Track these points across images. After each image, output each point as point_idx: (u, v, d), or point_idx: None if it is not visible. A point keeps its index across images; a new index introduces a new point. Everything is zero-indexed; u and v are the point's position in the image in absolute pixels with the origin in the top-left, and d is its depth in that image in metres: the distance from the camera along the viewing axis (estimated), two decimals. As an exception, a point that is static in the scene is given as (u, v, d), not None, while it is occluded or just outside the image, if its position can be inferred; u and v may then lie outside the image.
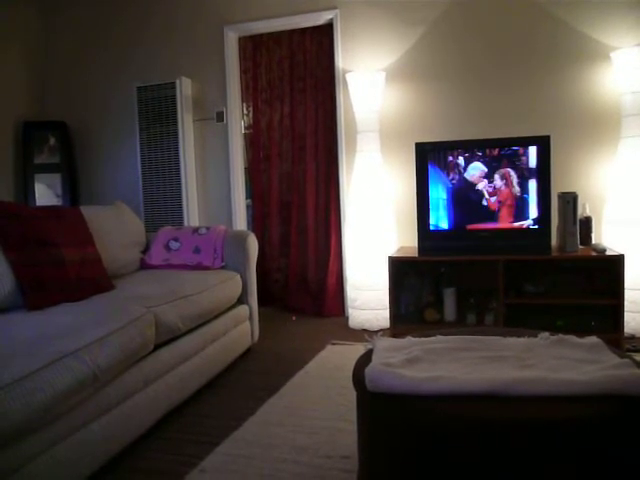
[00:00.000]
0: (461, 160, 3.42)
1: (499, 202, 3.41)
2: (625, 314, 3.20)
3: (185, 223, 4.42)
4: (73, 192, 4.81)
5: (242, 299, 3.32)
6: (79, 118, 4.88)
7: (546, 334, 1.85)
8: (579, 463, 1.35)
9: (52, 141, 4.74)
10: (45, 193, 4.70)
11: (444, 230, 3.50)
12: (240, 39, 4.48)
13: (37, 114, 4.86)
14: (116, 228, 3.23)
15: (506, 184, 3.38)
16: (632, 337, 3.33)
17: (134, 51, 4.69)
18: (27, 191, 4.65)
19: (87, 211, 3.02)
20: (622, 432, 1.39)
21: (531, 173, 3.34)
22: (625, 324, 3.21)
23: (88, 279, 2.59)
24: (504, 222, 3.41)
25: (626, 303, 3.21)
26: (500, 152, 3.37)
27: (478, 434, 1.37)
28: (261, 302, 3.72)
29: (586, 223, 3.44)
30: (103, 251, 2.90)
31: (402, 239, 4.00)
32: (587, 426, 1.35)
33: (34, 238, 2.46)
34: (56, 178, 4.74)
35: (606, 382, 1.42)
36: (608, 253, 3.21)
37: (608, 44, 3.55)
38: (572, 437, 1.35)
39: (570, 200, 3.28)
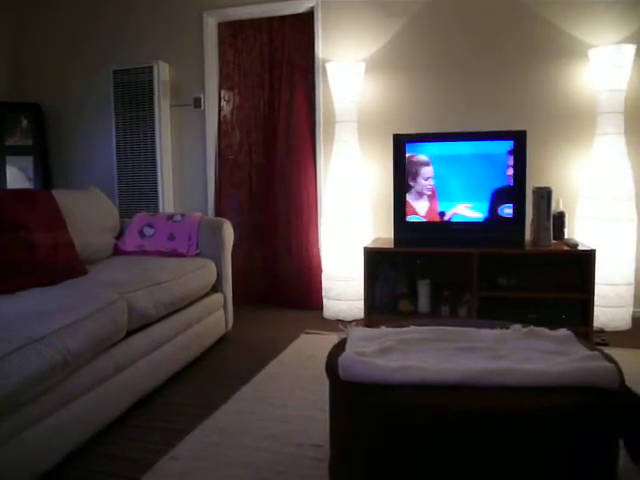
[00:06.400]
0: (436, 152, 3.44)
1: (474, 195, 3.43)
2: (595, 308, 3.26)
3: (160, 209, 4.37)
4: (45, 176, 4.73)
5: (216, 287, 3.30)
6: (53, 100, 4.79)
7: (518, 326, 1.88)
8: (548, 452, 1.38)
9: (24, 123, 4.64)
10: (17, 176, 4.60)
11: (420, 222, 3.51)
12: (219, 25, 4.43)
13: (9, 95, 4.75)
14: (89, 213, 3.18)
15: (482, 177, 3.40)
16: (601, 330, 3.40)
17: (111, 34, 4.60)
18: (-2, 173, 4.56)
19: (60, 195, 2.97)
20: (590, 422, 1.42)
21: (507, 167, 3.36)
22: (595, 318, 3.27)
23: (60, 264, 2.55)
24: (479, 215, 3.43)
25: (596, 297, 3.27)
26: (476, 145, 3.38)
27: (447, 424, 1.38)
28: (235, 291, 3.70)
29: (559, 218, 3.48)
30: (76, 236, 2.86)
31: (378, 230, 4.01)
32: (556, 416, 1.38)
33: (4, 221, 2.41)
34: (28, 161, 4.64)
35: (576, 374, 1.45)
36: (580, 248, 3.25)
37: (586, 42, 3.59)
38: (542, 427, 1.37)
39: (544, 195, 3.32)
